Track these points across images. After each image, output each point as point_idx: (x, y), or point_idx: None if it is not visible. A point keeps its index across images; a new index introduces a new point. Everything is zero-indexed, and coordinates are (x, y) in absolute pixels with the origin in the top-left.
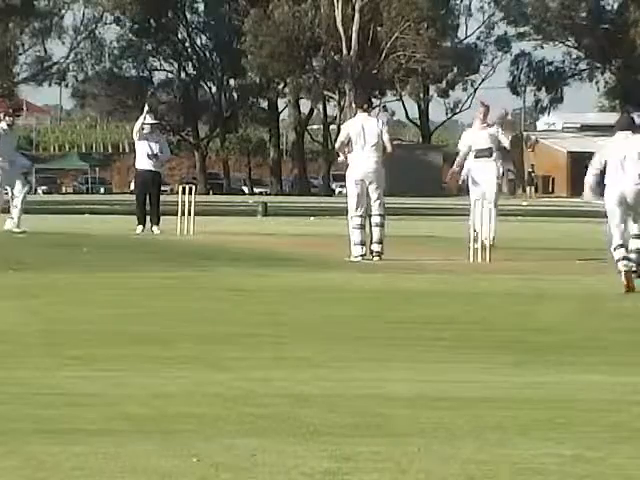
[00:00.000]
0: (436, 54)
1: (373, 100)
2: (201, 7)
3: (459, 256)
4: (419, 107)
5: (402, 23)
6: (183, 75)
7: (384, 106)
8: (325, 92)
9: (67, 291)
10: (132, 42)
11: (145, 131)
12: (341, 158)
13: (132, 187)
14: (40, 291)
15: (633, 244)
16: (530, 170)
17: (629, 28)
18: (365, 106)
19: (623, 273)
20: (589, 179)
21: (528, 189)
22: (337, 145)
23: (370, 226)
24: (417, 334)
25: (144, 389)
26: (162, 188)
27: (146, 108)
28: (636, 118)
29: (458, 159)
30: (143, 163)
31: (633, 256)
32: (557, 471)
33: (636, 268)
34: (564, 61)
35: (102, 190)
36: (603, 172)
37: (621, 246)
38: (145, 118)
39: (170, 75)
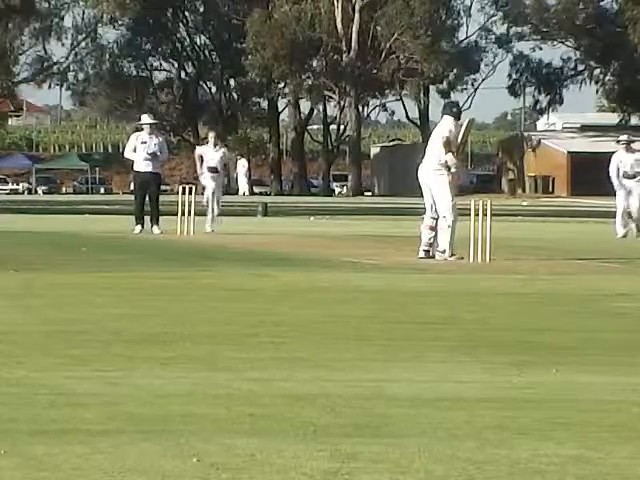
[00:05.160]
0: (433, 57)
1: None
2: (201, 7)
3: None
4: (419, 107)
5: (399, 27)
6: (183, 75)
7: (384, 105)
8: (325, 92)
9: (67, 291)
10: (132, 42)
11: (139, 149)
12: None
13: (132, 187)
14: (40, 291)
15: None
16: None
17: (628, 28)
18: None
19: None
20: None
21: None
22: None
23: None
24: (417, 334)
25: (144, 389)
26: (162, 188)
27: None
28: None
29: None
30: (142, 165)
31: None
32: (557, 471)
33: None
34: (563, 63)
35: (102, 190)
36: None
37: None
38: (137, 138)
39: (170, 75)
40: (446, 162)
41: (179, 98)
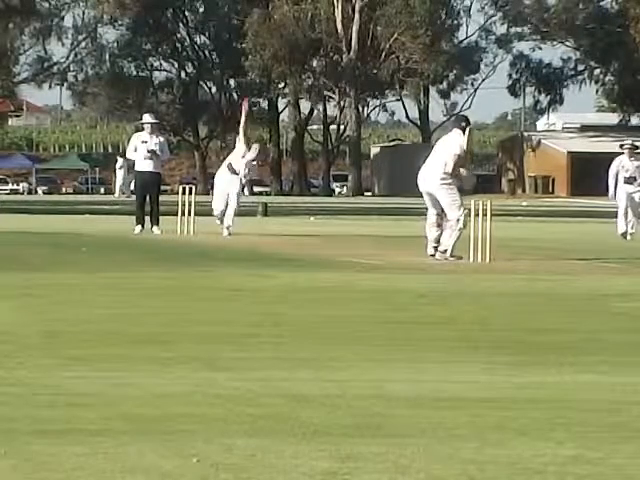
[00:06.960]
0: (433, 57)
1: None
2: (201, 7)
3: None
4: (419, 107)
5: (399, 27)
6: (183, 75)
7: (384, 106)
8: (325, 92)
9: (67, 291)
10: (132, 42)
11: (140, 150)
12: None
13: (132, 187)
14: (40, 291)
15: None
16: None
17: (629, 28)
18: None
19: None
20: None
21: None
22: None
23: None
24: (417, 334)
25: (144, 389)
26: (162, 188)
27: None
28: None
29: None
30: (142, 165)
31: None
32: (557, 471)
33: None
34: (563, 63)
35: (102, 190)
36: None
37: None
38: (140, 136)
39: (170, 75)
40: (454, 173)
41: (179, 98)
